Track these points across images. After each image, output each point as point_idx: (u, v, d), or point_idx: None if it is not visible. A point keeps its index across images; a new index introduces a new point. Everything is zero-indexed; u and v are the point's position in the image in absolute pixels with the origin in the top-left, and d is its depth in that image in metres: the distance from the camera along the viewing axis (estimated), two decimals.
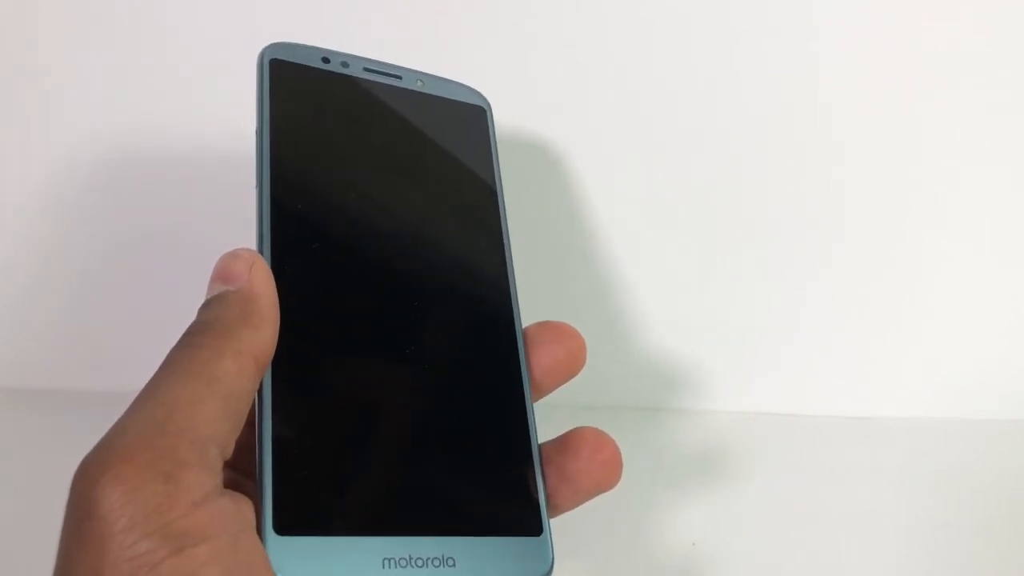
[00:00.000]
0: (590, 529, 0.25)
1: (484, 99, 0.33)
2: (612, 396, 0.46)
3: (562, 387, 0.29)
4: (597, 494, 0.27)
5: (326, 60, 0.30)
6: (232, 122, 0.39)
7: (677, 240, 0.43)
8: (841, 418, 0.46)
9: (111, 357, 0.44)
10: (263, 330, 0.23)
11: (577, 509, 0.27)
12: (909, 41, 0.40)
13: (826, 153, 0.42)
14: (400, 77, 0.31)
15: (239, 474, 0.23)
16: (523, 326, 0.29)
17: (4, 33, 0.39)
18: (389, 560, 0.23)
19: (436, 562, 0.23)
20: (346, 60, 0.30)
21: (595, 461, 0.27)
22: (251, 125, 0.28)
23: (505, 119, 0.39)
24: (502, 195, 0.31)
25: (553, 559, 0.25)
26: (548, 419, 0.28)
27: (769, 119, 0.41)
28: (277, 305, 0.24)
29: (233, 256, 0.24)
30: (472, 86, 0.33)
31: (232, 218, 0.32)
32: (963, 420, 0.46)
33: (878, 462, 0.44)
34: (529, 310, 0.30)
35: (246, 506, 0.21)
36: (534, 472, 0.27)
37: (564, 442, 0.27)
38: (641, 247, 0.43)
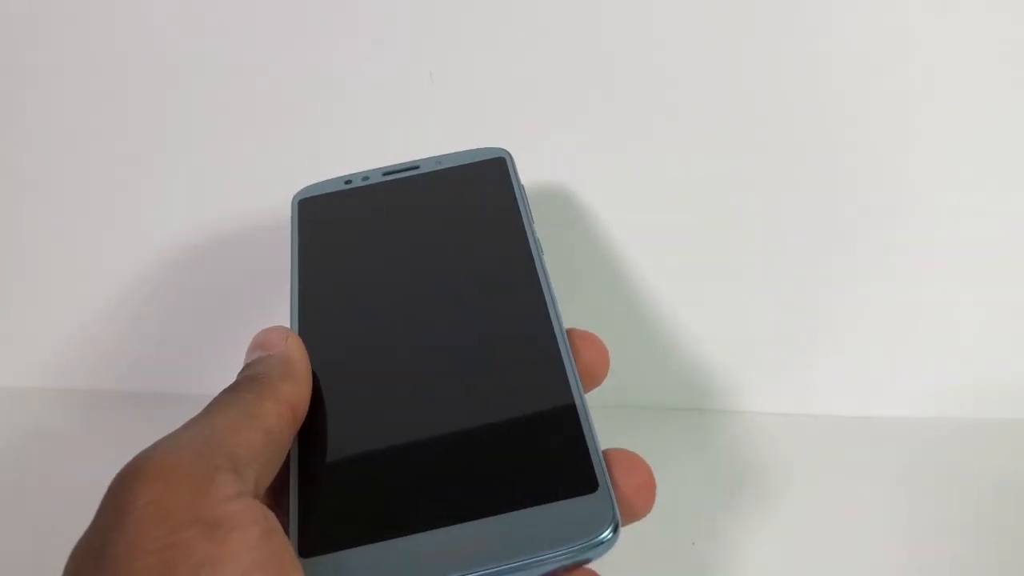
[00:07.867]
0: None
1: (503, 150, 0.35)
2: (611, 395, 0.46)
3: None
4: (627, 523, 0.24)
5: (348, 182, 0.34)
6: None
7: (681, 241, 0.44)
8: (841, 418, 0.46)
9: (114, 358, 0.45)
10: (300, 385, 0.26)
11: None
12: (908, 46, 0.40)
13: (825, 154, 0.42)
14: (418, 167, 0.34)
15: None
16: None
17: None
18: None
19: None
20: (366, 175, 0.34)
21: (626, 486, 0.25)
22: None
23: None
24: (532, 229, 0.32)
25: (617, 514, 0.23)
26: None
27: (778, 127, 0.41)
28: (310, 368, 0.27)
29: (270, 329, 0.28)
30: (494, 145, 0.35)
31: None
32: (963, 420, 0.46)
33: (878, 462, 0.44)
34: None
35: (272, 514, 0.22)
36: (580, 427, 0.25)
37: None
38: (654, 251, 0.44)
